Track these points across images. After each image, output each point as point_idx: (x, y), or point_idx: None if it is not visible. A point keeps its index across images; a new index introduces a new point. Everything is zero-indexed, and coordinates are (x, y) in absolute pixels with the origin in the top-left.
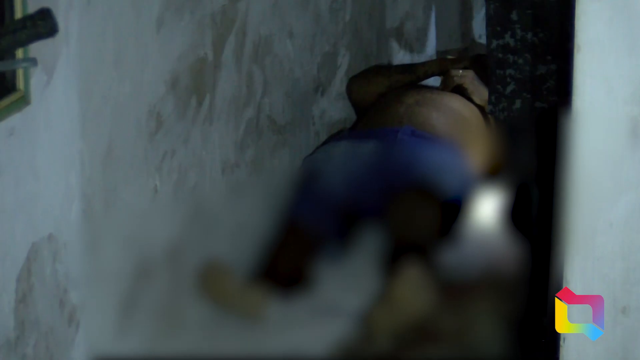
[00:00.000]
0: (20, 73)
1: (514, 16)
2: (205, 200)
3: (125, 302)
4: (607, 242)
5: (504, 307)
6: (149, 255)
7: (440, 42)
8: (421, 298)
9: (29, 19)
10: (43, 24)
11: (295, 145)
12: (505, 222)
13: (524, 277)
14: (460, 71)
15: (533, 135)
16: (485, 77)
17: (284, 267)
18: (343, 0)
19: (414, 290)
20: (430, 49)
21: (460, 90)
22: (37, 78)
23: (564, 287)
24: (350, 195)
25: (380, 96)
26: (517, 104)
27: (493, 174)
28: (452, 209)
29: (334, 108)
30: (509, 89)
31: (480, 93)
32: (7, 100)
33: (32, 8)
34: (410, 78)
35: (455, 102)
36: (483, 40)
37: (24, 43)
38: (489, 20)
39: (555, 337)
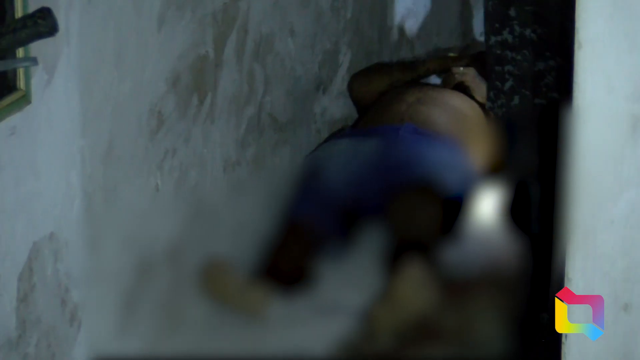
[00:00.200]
0: (20, 72)
1: (512, 12)
2: (207, 198)
3: (127, 301)
4: (609, 239)
5: (505, 304)
6: (150, 253)
7: (441, 40)
8: (423, 296)
9: (30, 18)
10: (43, 23)
11: (297, 144)
12: (504, 220)
13: (524, 275)
14: (461, 69)
15: (532, 132)
16: (486, 74)
17: (286, 265)
18: None
19: (415, 288)
20: (431, 47)
21: (462, 88)
22: (37, 77)
23: (565, 284)
24: (352, 193)
25: (382, 94)
26: (516, 100)
27: (494, 171)
28: (453, 207)
29: (336, 106)
30: (508, 85)
31: (482, 91)
32: (8, 100)
33: (32, 7)
34: (411, 76)
35: (457, 100)
36: (484, 38)
37: (24, 42)
38: (487, 16)
39: (557, 334)
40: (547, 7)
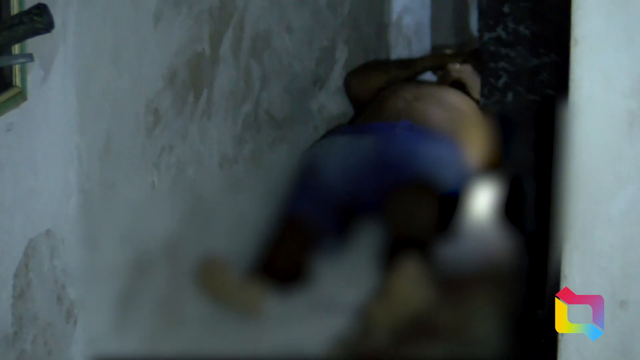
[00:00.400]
0: (16, 69)
1: (506, 9)
2: (204, 195)
3: (123, 298)
4: (606, 236)
5: (501, 301)
6: (147, 250)
7: (438, 37)
8: (419, 293)
9: (26, 14)
10: (40, 20)
11: (294, 140)
12: (499, 216)
13: (521, 272)
14: (458, 66)
15: (527, 129)
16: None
17: (282, 262)
18: None
19: (412, 285)
20: (428, 44)
21: (458, 85)
22: (34, 74)
23: (561, 281)
24: (349, 190)
25: (379, 91)
26: (510, 96)
27: (491, 168)
28: (450, 204)
29: (333, 103)
30: (502, 81)
31: (478, 88)
32: (3, 96)
33: (28, 3)
34: (408, 73)
35: (453, 97)
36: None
37: (20, 39)
38: (481, 13)
39: (553, 331)
40: (541, 3)
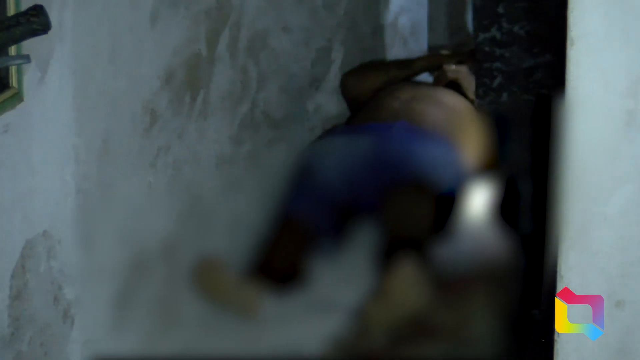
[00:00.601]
0: (13, 70)
1: (501, 9)
2: (201, 195)
3: (120, 298)
4: (603, 236)
5: (498, 301)
6: (144, 250)
7: (434, 37)
8: (416, 293)
9: (23, 15)
10: (37, 21)
11: (291, 140)
12: (496, 216)
13: (517, 272)
14: (454, 66)
15: (523, 129)
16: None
17: (279, 262)
18: None
19: (409, 285)
20: (424, 45)
21: (454, 86)
22: (30, 75)
23: (558, 281)
24: (346, 191)
25: (375, 92)
26: (504, 97)
27: (487, 168)
28: (446, 204)
29: (330, 103)
30: (496, 82)
31: (474, 88)
32: (0, 98)
33: (25, 4)
34: (405, 73)
35: (450, 98)
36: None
37: (17, 40)
38: (476, 13)
39: (549, 331)
40: (536, 3)
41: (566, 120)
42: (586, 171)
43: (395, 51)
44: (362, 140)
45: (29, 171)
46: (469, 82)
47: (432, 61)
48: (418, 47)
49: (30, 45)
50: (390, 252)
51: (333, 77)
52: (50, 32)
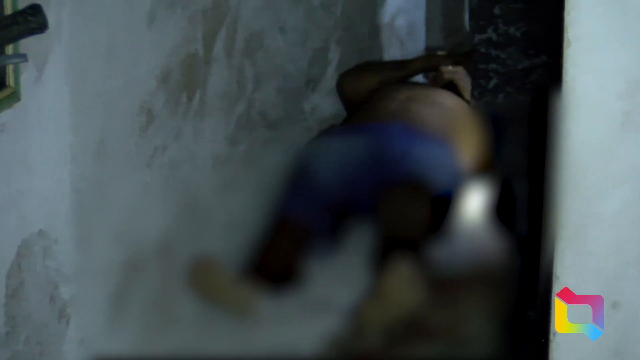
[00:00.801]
0: (10, 69)
1: (497, 11)
2: (197, 195)
3: (116, 298)
4: (599, 237)
5: (493, 302)
6: (140, 250)
7: (431, 38)
8: (412, 293)
9: (20, 14)
10: (34, 20)
11: (287, 141)
12: (491, 217)
13: (513, 273)
14: (451, 67)
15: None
16: None
17: (275, 262)
18: None
19: (404, 286)
20: (421, 45)
21: (451, 86)
22: (27, 74)
23: (553, 282)
24: (342, 191)
25: (372, 92)
26: (500, 98)
27: (484, 169)
28: (443, 205)
29: (326, 103)
30: (492, 83)
31: (471, 89)
32: None
33: (22, 4)
34: (401, 74)
35: (446, 98)
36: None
37: (14, 39)
38: (472, 14)
39: (544, 332)
40: (532, 5)
41: (562, 121)
42: (582, 172)
43: (391, 52)
44: (358, 141)
45: (25, 170)
46: (465, 83)
47: (429, 62)
48: (414, 47)
49: (27, 44)
50: (386, 252)
51: (329, 78)
52: (47, 32)
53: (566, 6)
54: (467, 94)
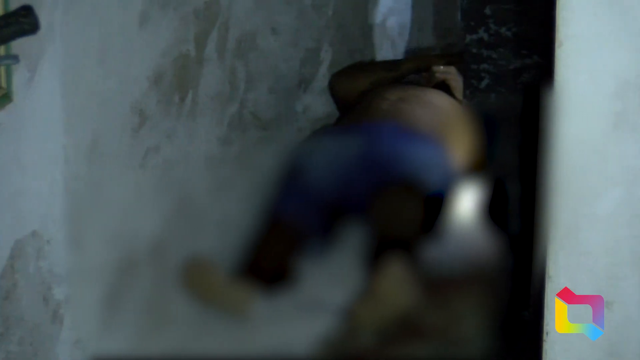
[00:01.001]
0: (2, 70)
1: (488, 11)
2: (190, 195)
3: (110, 298)
4: (592, 237)
5: (487, 302)
6: (133, 250)
7: (422, 39)
8: (405, 293)
9: (12, 15)
10: (26, 21)
11: (279, 141)
12: (484, 217)
13: (506, 272)
14: (443, 67)
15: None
16: None
17: (268, 263)
18: None
19: (397, 286)
20: (413, 45)
21: (443, 87)
22: (19, 75)
23: (547, 282)
24: (334, 191)
25: (364, 92)
26: (492, 98)
27: (476, 169)
28: (435, 204)
29: (318, 104)
30: (484, 83)
31: (463, 89)
32: None
33: (14, 5)
34: (393, 74)
35: (438, 99)
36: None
37: (6, 40)
38: (463, 14)
39: (538, 331)
40: (523, 5)
41: (554, 121)
42: (575, 172)
43: (383, 52)
44: (350, 141)
45: (18, 171)
46: (457, 83)
47: (420, 62)
48: (406, 48)
49: (19, 45)
50: (378, 252)
51: (322, 78)
52: (39, 33)
53: (557, 6)
54: (459, 94)
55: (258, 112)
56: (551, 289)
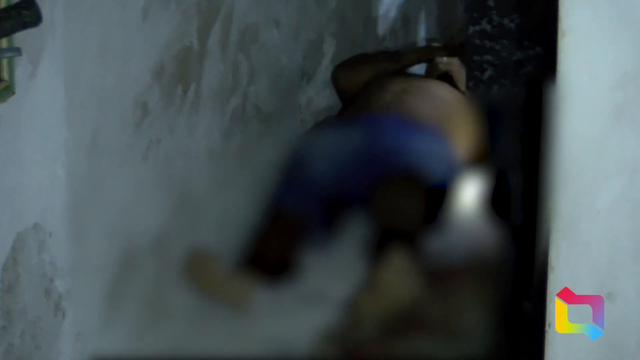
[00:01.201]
0: (4, 63)
1: (491, 2)
2: (192, 189)
3: (112, 291)
4: (593, 228)
5: (488, 293)
6: (135, 244)
7: (426, 30)
8: (407, 285)
9: (14, 8)
10: (28, 14)
11: (282, 134)
12: (486, 209)
13: (508, 264)
14: (445, 59)
15: (513, 121)
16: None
17: (270, 255)
18: None
19: (399, 278)
20: (416, 37)
21: (446, 78)
22: (22, 68)
23: (548, 273)
24: (336, 183)
25: (366, 84)
26: (495, 89)
27: (478, 161)
28: (437, 196)
29: (320, 96)
30: (487, 75)
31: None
32: None
33: None
34: (395, 66)
35: (441, 90)
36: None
37: (8, 33)
38: (466, 6)
39: (540, 323)
40: None
41: (556, 112)
42: (576, 164)
43: (386, 44)
44: (353, 133)
45: (20, 164)
46: (460, 74)
47: (423, 54)
48: (409, 39)
49: (21, 38)
50: (380, 244)
51: (324, 70)
52: (41, 26)
53: None
54: (462, 85)
55: (260, 105)
56: (553, 280)
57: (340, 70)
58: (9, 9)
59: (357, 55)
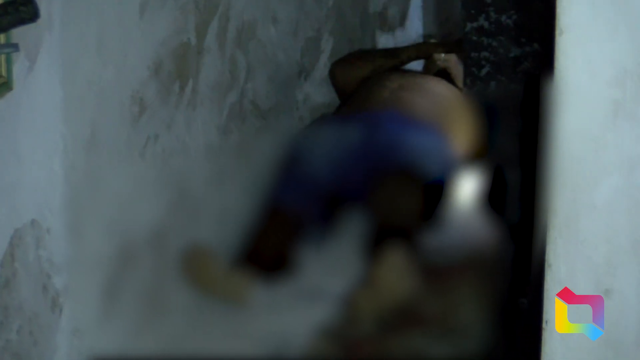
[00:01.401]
0: (2, 59)
1: None
2: (189, 185)
3: (109, 287)
4: (591, 224)
5: (485, 290)
6: (132, 240)
7: (423, 27)
8: (404, 282)
9: (11, 4)
10: (25, 10)
11: (279, 130)
12: (484, 205)
13: (505, 260)
14: (443, 55)
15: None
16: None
17: (268, 251)
18: None
19: (397, 274)
20: (413, 33)
21: (444, 74)
22: (19, 64)
23: (545, 270)
24: (334, 179)
25: (364, 81)
26: (492, 86)
27: (476, 157)
28: (435, 192)
29: (318, 93)
30: (484, 71)
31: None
32: None
33: None
34: (393, 62)
35: (439, 86)
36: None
37: (5, 28)
38: (464, 3)
39: (536, 319)
40: None
41: (554, 109)
42: (574, 160)
43: (383, 41)
44: (350, 129)
45: (17, 160)
46: (457, 71)
47: (421, 50)
48: (406, 36)
49: (19, 34)
50: (378, 240)
51: (322, 67)
52: (39, 22)
53: None
54: (459, 81)
55: (258, 102)
56: (550, 277)
57: (338, 67)
58: (5, 5)
59: (354, 52)
